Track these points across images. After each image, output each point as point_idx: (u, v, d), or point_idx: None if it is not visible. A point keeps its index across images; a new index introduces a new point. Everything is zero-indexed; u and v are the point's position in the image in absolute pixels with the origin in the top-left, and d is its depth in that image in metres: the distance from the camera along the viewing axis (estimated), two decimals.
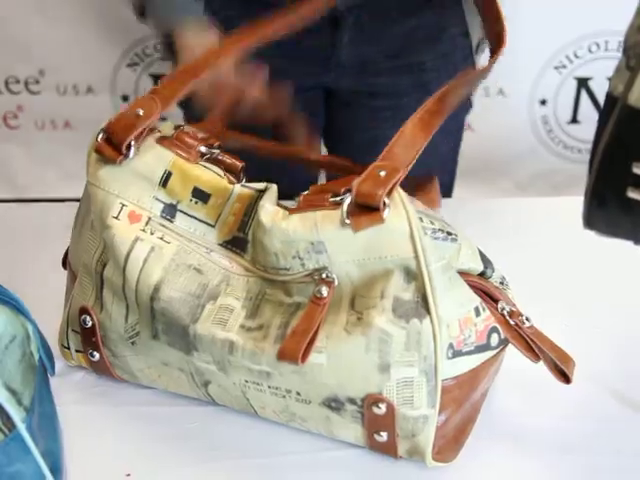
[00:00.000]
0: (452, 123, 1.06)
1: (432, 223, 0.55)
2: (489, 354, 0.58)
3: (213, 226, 0.60)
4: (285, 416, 0.60)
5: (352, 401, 0.56)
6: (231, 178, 0.61)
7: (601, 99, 1.69)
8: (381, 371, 0.54)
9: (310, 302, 0.55)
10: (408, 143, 0.55)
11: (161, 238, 0.60)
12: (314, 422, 0.59)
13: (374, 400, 0.55)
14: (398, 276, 0.54)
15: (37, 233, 0.87)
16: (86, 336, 0.64)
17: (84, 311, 0.63)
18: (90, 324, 0.63)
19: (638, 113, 0.54)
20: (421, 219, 0.54)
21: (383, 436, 0.57)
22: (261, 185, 0.60)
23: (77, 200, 0.67)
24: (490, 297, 0.59)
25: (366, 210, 0.53)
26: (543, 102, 1.70)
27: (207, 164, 0.61)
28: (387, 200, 0.53)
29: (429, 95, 0.59)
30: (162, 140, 0.61)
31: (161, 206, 0.61)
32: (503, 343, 0.59)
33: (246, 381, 0.58)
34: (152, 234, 0.60)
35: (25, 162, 1.68)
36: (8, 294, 0.54)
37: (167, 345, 0.60)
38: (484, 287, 0.58)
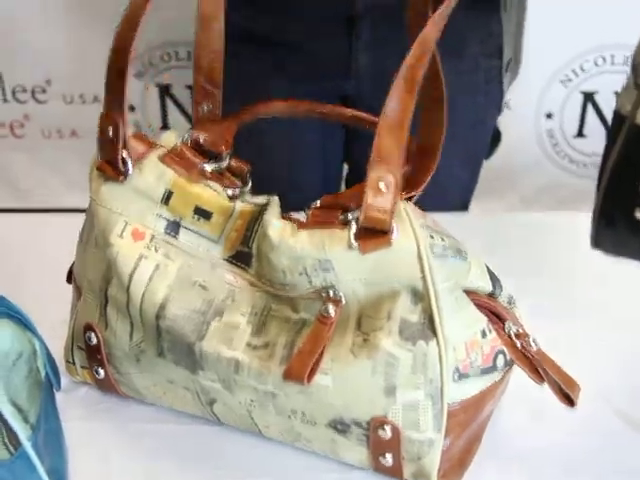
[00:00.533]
0: (474, 151, 1.06)
1: (442, 240, 0.55)
2: (495, 376, 0.58)
3: (216, 241, 0.60)
4: (290, 436, 0.60)
5: (358, 424, 0.56)
6: (236, 182, 0.61)
7: (607, 113, 1.69)
8: (387, 394, 0.54)
9: (317, 321, 0.55)
10: (396, 121, 0.53)
11: (165, 255, 0.60)
12: (319, 443, 0.59)
13: (380, 423, 0.55)
14: (405, 297, 0.54)
15: (41, 245, 0.87)
16: (91, 353, 0.64)
17: (89, 328, 0.63)
18: (95, 341, 0.63)
19: None
20: (432, 236, 0.54)
21: (388, 459, 0.57)
22: (262, 199, 0.59)
23: (82, 210, 0.67)
24: (497, 317, 0.58)
25: (374, 233, 0.53)
26: (549, 115, 1.70)
27: (208, 182, 0.61)
28: (395, 223, 0.53)
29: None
30: (164, 157, 0.61)
31: (164, 223, 0.60)
32: (509, 364, 0.59)
33: (252, 400, 0.58)
34: (156, 251, 0.60)
35: (31, 171, 1.68)
36: (15, 309, 0.54)
37: (172, 363, 0.59)
38: (491, 307, 0.58)
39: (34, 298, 0.67)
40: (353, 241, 0.53)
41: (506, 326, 0.58)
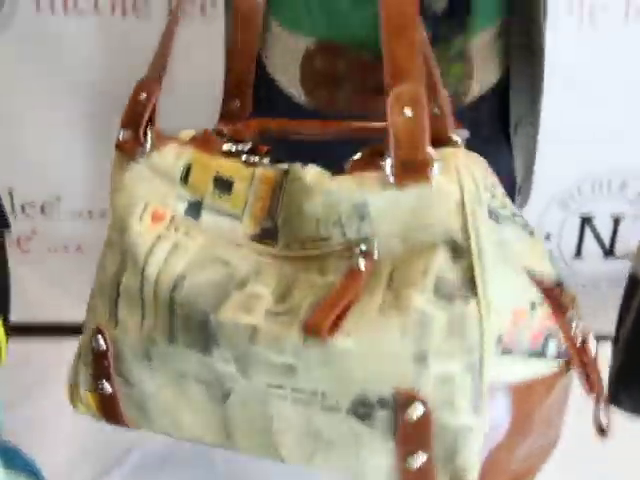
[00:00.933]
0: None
1: (507, 205, 0.50)
2: (546, 366, 0.51)
3: (240, 218, 0.58)
4: (308, 445, 0.53)
5: (383, 401, 0.49)
6: (254, 160, 0.61)
7: (604, 236, 1.71)
8: (417, 361, 0.48)
9: (346, 275, 0.50)
10: (401, 21, 0.48)
11: (186, 234, 0.59)
12: (340, 444, 0.52)
13: (408, 399, 0.48)
14: (443, 250, 0.48)
15: (45, 371, 0.87)
16: (98, 362, 0.61)
17: (97, 331, 0.61)
18: (103, 345, 0.60)
19: None
20: (493, 196, 0.49)
21: (418, 460, 0.49)
22: (284, 165, 0.57)
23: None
24: (559, 306, 0.52)
25: (412, 167, 0.49)
26: (547, 237, 1.73)
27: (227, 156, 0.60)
28: (435, 156, 0.48)
29: None
30: (184, 142, 0.62)
31: (185, 204, 0.60)
32: (562, 357, 0.52)
33: (268, 385, 0.53)
34: (176, 231, 0.59)
35: (35, 284, 1.69)
36: (24, 460, 0.54)
37: (185, 347, 0.56)
38: (554, 294, 0.52)
39: (34, 429, 0.66)
40: (389, 175, 0.49)
41: (568, 315, 0.51)
